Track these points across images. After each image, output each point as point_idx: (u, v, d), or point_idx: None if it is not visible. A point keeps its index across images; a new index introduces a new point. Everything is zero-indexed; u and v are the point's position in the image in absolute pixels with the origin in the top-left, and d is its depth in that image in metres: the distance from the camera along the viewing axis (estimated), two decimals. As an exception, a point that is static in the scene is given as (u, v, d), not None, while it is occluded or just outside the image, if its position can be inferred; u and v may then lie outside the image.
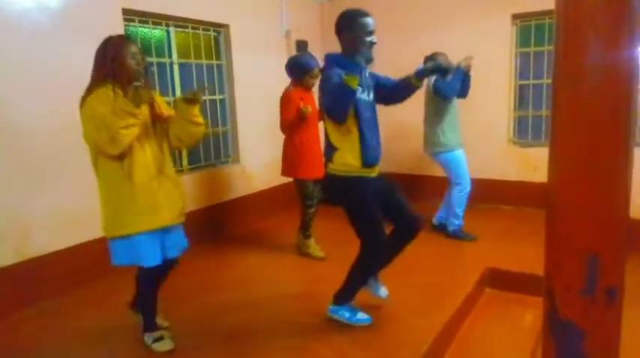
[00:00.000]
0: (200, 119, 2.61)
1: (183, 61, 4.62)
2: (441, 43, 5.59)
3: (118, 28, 3.82)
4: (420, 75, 2.78)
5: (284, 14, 5.60)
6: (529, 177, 5.21)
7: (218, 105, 5.07)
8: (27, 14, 3.24)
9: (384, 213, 2.83)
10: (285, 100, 3.95)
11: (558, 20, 1.15)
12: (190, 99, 2.51)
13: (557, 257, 1.20)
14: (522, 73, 5.41)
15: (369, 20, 2.67)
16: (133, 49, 2.47)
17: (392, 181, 2.95)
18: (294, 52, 5.67)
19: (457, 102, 4.50)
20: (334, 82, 2.57)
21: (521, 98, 5.48)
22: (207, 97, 4.91)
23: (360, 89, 2.65)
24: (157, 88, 4.35)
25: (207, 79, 4.89)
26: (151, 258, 2.50)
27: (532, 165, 5.18)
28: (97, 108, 2.32)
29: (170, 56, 4.49)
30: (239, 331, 2.94)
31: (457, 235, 4.51)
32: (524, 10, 5.07)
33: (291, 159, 4.04)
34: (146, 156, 2.48)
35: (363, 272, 2.89)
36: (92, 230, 3.63)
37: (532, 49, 5.27)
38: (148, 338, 2.73)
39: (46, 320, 3.15)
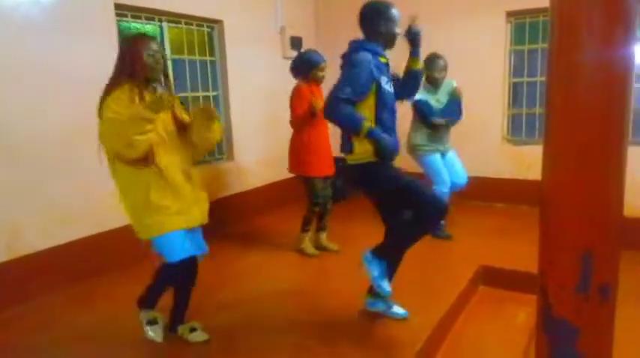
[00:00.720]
0: (217, 129, 2.61)
1: (176, 56, 4.58)
2: (435, 40, 5.58)
3: (109, 23, 3.79)
4: (415, 55, 2.88)
5: (278, 10, 5.57)
6: (523, 174, 5.22)
7: (212, 102, 5.04)
8: (18, 8, 3.20)
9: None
10: (296, 95, 3.90)
11: (553, 18, 1.14)
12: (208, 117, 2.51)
13: (550, 254, 1.20)
14: (516, 70, 5.41)
15: (395, 12, 2.76)
16: (153, 46, 2.45)
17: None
18: (288, 48, 5.65)
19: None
20: (361, 71, 2.54)
21: (515, 96, 5.49)
22: (200, 94, 4.88)
23: (385, 79, 2.65)
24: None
25: (200, 75, 4.86)
26: (183, 252, 2.50)
27: (526, 162, 5.19)
28: (114, 112, 2.29)
29: (163, 52, 4.45)
30: (235, 329, 2.92)
31: (434, 232, 4.47)
32: (519, 7, 5.08)
33: (298, 156, 3.99)
34: (175, 158, 2.50)
35: (409, 240, 2.78)
36: (84, 227, 3.61)
37: (526, 47, 5.27)
38: (144, 316, 2.75)
39: (39, 318, 3.13)
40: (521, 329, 3.09)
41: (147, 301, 2.77)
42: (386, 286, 2.74)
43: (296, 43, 5.76)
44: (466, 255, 4.00)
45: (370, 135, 2.52)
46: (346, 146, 2.73)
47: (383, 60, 2.68)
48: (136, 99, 2.37)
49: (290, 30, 5.69)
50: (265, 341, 2.77)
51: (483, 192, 5.48)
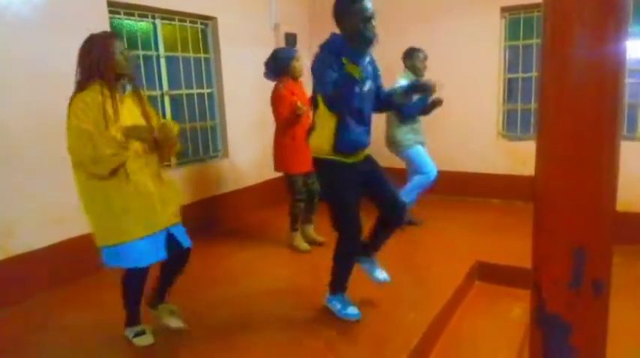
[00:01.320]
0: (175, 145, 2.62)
1: (170, 54, 4.56)
2: (429, 36, 5.59)
3: (102, 20, 3.76)
4: (401, 92, 2.84)
5: (273, 7, 5.55)
6: (518, 170, 5.23)
7: (206, 99, 5.02)
8: (9, 6, 3.17)
9: (370, 199, 2.84)
10: (278, 98, 3.90)
11: (546, 13, 1.14)
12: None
13: (543, 250, 1.20)
14: (511, 66, 5.42)
15: (367, 4, 2.55)
16: (120, 45, 2.43)
17: (378, 166, 2.90)
18: (282, 45, 5.63)
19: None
20: (328, 69, 2.52)
21: (510, 91, 5.50)
22: (194, 91, 4.86)
23: (348, 81, 2.55)
24: (144, 81, 4.30)
25: (194, 73, 4.84)
26: (146, 259, 2.48)
27: (521, 158, 5.20)
28: (83, 121, 2.28)
29: (157, 49, 4.43)
30: (229, 326, 2.92)
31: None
32: (513, 3, 5.08)
33: (283, 155, 4.02)
34: (143, 161, 2.47)
35: (344, 259, 2.86)
36: (77, 226, 3.59)
37: (521, 43, 5.28)
38: (130, 332, 2.73)
39: (32, 318, 3.11)
40: (516, 325, 3.11)
41: (128, 318, 2.74)
42: (352, 311, 2.90)
43: (291, 39, 5.75)
44: (462, 251, 4.01)
45: (356, 61, 2.46)
46: (309, 130, 2.83)
47: (347, 68, 2.45)
48: (107, 99, 2.35)
49: (284, 26, 5.67)
50: (261, 338, 2.77)
51: (479, 187, 5.50)
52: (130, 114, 2.47)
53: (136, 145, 2.43)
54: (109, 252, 2.48)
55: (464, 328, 3.17)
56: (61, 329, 2.96)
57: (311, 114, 2.96)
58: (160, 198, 2.52)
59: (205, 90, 4.99)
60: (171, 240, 2.58)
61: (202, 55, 4.92)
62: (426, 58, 4.48)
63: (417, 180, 4.48)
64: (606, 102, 1.08)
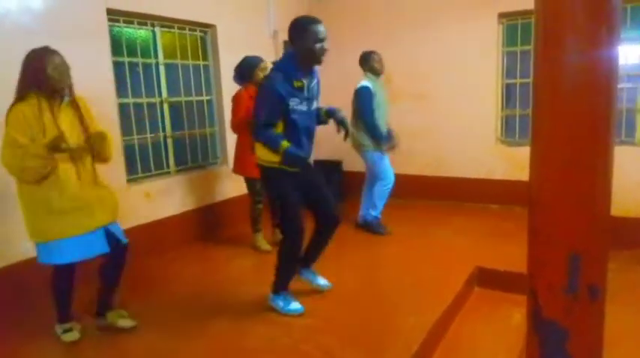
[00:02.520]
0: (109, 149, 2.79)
1: (169, 61, 4.58)
2: (427, 42, 5.62)
3: (102, 28, 3.78)
4: (329, 115, 3.07)
5: (271, 14, 5.58)
6: (516, 175, 5.22)
7: (205, 106, 5.04)
8: (8, 15, 3.19)
9: (307, 207, 3.05)
10: (236, 101, 4.09)
11: (537, 19, 1.15)
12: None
13: (539, 255, 1.20)
14: (509, 71, 5.43)
15: (319, 28, 2.80)
16: (56, 60, 2.58)
17: (320, 175, 3.15)
18: (281, 52, 5.66)
19: (386, 110, 4.57)
20: (269, 98, 2.79)
21: (509, 97, 5.51)
22: (194, 98, 4.87)
23: (297, 101, 2.83)
24: (143, 88, 4.31)
25: (193, 80, 4.85)
26: (71, 256, 2.65)
27: (520, 163, 5.19)
28: (16, 131, 2.46)
29: (156, 57, 4.45)
30: (226, 333, 2.91)
31: (372, 226, 4.62)
32: (511, 9, 5.10)
33: (241, 158, 4.16)
34: (71, 169, 2.63)
35: (286, 260, 3.03)
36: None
37: (519, 48, 5.29)
38: (59, 328, 2.86)
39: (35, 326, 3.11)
40: (516, 331, 3.09)
41: (58, 315, 2.87)
42: (294, 307, 3.04)
43: (289, 46, 5.76)
44: (461, 257, 4.00)
45: (286, 153, 2.76)
46: (252, 148, 3.02)
47: (297, 84, 2.81)
48: (44, 111, 2.53)
49: (283, 34, 5.68)
50: (256, 344, 2.77)
51: (477, 193, 5.49)
52: (69, 122, 2.64)
53: (64, 154, 2.57)
54: (40, 248, 2.66)
55: (463, 334, 3.15)
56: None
57: None
58: (89, 201, 2.67)
59: (204, 98, 5.01)
60: (109, 237, 2.75)
61: (201, 63, 4.94)
62: (381, 58, 4.57)
63: (377, 189, 4.56)
64: (599, 106, 1.08)
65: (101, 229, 2.72)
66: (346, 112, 3.32)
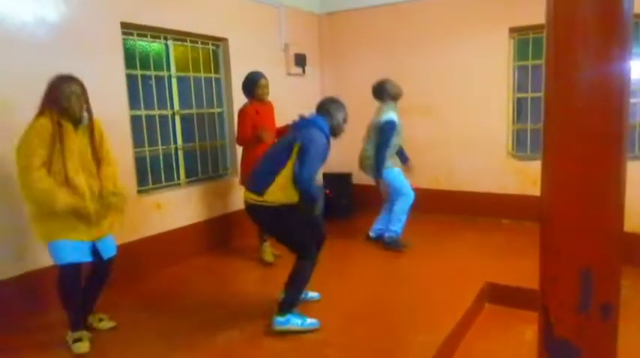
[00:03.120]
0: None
1: (181, 74, 4.63)
2: (438, 56, 5.63)
3: (116, 41, 3.84)
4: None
5: (282, 28, 5.63)
6: (528, 190, 5.18)
7: (216, 118, 5.07)
8: (25, 27, 3.26)
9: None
10: (241, 117, 4.13)
11: (548, 35, 1.14)
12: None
13: (551, 273, 1.18)
14: (520, 86, 5.42)
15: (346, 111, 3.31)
16: (66, 90, 2.75)
17: None
18: (292, 65, 5.70)
19: (404, 133, 4.59)
20: (321, 155, 3.08)
21: (520, 111, 5.49)
22: (205, 110, 4.92)
23: None
24: (155, 101, 4.36)
25: (205, 92, 4.90)
26: (72, 257, 2.80)
27: (531, 178, 5.15)
28: (32, 154, 2.65)
29: (168, 69, 4.51)
30: (235, 345, 2.90)
31: (392, 242, 4.56)
32: (522, 23, 5.10)
33: (248, 171, 4.08)
34: (85, 179, 2.81)
35: (303, 280, 3.12)
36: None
37: (530, 62, 5.28)
38: (70, 337, 2.90)
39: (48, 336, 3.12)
40: (528, 348, 3.03)
41: (70, 322, 2.92)
42: (312, 322, 3.05)
43: (300, 60, 5.81)
44: (471, 272, 3.95)
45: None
46: (259, 187, 3.06)
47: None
48: (65, 131, 2.74)
49: (294, 47, 5.74)
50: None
51: (488, 207, 5.45)
52: (80, 145, 2.83)
53: (77, 166, 2.80)
54: (50, 249, 2.82)
55: (474, 351, 3.10)
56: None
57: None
58: (98, 211, 2.86)
59: (215, 110, 5.05)
60: (95, 251, 2.92)
61: (213, 75, 4.99)
62: (395, 83, 4.56)
63: (399, 205, 4.52)
64: (611, 121, 1.07)
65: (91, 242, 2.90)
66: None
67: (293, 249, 3.13)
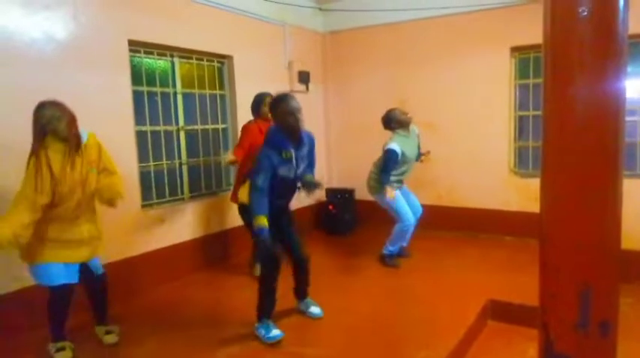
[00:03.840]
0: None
1: (187, 90, 4.69)
2: (440, 74, 5.70)
3: (123, 58, 3.91)
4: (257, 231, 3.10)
5: (287, 46, 5.71)
6: (530, 207, 5.17)
7: (220, 134, 5.12)
8: (33, 44, 3.32)
9: (282, 245, 3.31)
10: (244, 132, 4.22)
11: (545, 55, 1.17)
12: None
13: (550, 290, 1.19)
14: (522, 104, 5.46)
15: (291, 102, 3.14)
16: (47, 113, 2.79)
17: (290, 220, 3.40)
18: (296, 83, 5.77)
19: (412, 161, 4.61)
20: (263, 166, 3.08)
21: (521, 129, 5.52)
22: (209, 126, 4.97)
23: (285, 169, 3.13)
24: (160, 117, 4.42)
25: (210, 109, 4.96)
26: (57, 280, 2.87)
27: (533, 195, 5.15)
28: (29, 190, 2.71)
29: (174, 86, 4.57)
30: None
31: (385, 259, 4.64)
32: (523, 43, 5.16)
33: (237, 188, 4.18)
34: (73, 206, 2.87)
35: (263, 289, 3.22)
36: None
37: (531, 81, 5.33)
38: (52, 347, 2.98)
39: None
40: (530, 366, 3.02)
41: (52, 334, 3.00)
42: (274, 334, 3.13)
43: (304, 77, 5.89)
44: (473, 289, 3.94)
45: (258, 229, 3.02)
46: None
47: (285, 155, 3.11)
48: (54, 157, 2.79)
49: (297, 64, 5.82)
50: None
51: (490, 224, 5.45)
52: (79, 166, 2.89)
53: (67, 192, 2.83)
54: (32, 270, 2.91)
55: (476, 369, 3.08)
56: None
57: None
58: (81, 238, 2.96)
59: (220, 126, 5.10)
60: (85, 270, 3.04)
61: (218, 92, 5.05)
62: (402, 111, 4.60)
63: (397, 230, 4.57)
64: (607, 140, 1.09)
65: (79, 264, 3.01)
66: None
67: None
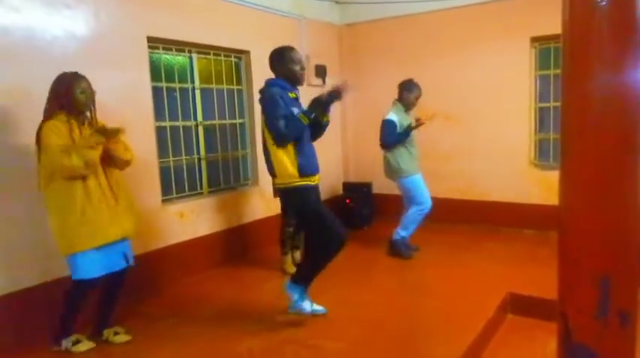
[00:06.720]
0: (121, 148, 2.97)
1: (204, 86, 4.74)
2: (459, 66, 5.64)
3: (142, 55, 3.97)
4: (309, 114, 3.08)
5: (303, 39, 5.71)
6: (551, 200, 5.06)
7: (238, 129, 5.16)
8: (55, 42, 3.39)
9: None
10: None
11: (564, 46, 1.16)
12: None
13: (569, 280, 1.19)
14: (542, 95, 5.37)
15: (295, 55, 3.22)
16: (83, 84, 2.82)
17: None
18: (313, 76, 5.77)
19: (415, 136, 4.60)
20: (280, 109, 3.00)
21: (542, 121, 5.44)
22: (227, 121, 5.01)
23: (297, 110, 3.08)
24: (179, 112, 4.47)
25: (227, 104, 5.00)
26: (92, 271, 2.81)
27: (553, 187, 5.01)
28: (59, 138, 2.69)
29: (192, 81, 4.62)
30: (254, 355, 2.93)
31: (398, 246, 4.58)
32: (543, 33, 5.07)
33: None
34: (100, 180, 2.84)
35: (319, 256, 3.13)
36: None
37: (552, 72, 5.24)
38: (66, 343, 2.93)
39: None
40: (551, 360, 2.99)
41: (64, 329, 2.95)
42: (306, 306, 3.18)
43: (320, 70, 5.89)
44: (493, 282, 3.91)
45: (308, 113, 3.04)
46: (270, 169, 3.23)
47: (291, 95, 3.15)
48: (74, 128, 2.79)
49: (314, 58, 5.82)
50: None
51: (511, 217, 5.39)
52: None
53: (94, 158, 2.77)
54: (71, 263, 2.82)
55: (495, 362, 3.07)
56: None
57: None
58: (117, 210, 2.89)
59: (237, 121, 5.14)
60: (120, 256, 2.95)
61: (235, 87, 5.09)
62: (420, 94, 4.60)
63: (412, 213, 4.54)
64: (627, 132, 1.08)
65: (122, 244, 2.94)
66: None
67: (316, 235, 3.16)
